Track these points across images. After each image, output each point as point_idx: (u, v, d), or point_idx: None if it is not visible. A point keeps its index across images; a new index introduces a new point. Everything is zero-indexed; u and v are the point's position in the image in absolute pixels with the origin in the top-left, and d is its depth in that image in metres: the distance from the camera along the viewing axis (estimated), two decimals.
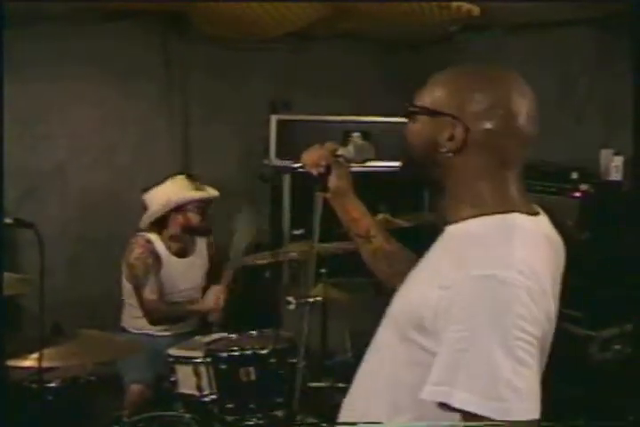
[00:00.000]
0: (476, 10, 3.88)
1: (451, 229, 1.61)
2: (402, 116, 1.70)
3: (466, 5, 3.83)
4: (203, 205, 4.07)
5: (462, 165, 1.58)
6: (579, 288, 3.67)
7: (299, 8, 3.97)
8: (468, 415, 1.33)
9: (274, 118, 4.67)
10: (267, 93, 5.05)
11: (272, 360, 3.36)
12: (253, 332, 3.69)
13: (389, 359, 1.59)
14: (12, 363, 2.74)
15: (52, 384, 3.13)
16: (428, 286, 1.47)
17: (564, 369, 3.64)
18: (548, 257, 1.50)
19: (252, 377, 3.35)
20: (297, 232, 4.10)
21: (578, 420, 3.30)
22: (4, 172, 3.47)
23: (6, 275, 2.77)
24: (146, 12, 4.50)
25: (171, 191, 4.07)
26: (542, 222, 1.61)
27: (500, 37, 4.68)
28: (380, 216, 3.86)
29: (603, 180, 3.92)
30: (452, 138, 1.56)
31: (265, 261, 3.97)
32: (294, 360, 3.29)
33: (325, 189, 2.08)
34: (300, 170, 2.10)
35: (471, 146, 1.56)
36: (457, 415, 1.35)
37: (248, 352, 3.39)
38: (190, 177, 4.13)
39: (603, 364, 3.62)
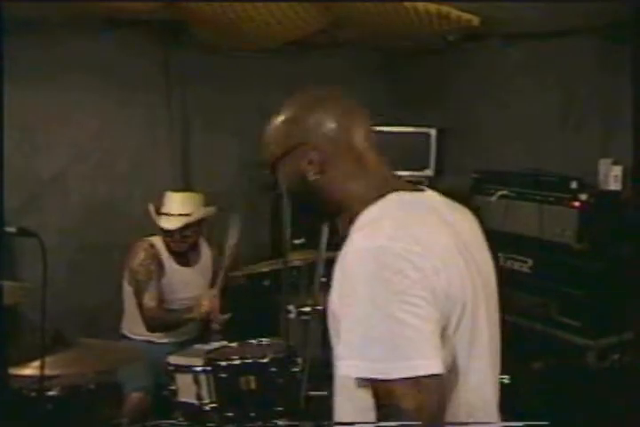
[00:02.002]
0: (475, 20, 3.88)
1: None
2: (270, 175, 1.81)
3: (465, 15, 3.84)
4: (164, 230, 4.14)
5: (333, 180, 1.67)
6: (577, 297, 3.70)
7: (298, 18, 3.98)
8: (367, 382, 1.41)
9: None
10: (266, 103, 5.06)
11: (272, 369, 3.37)
12: (253, 340, 3.69)
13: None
14: (12, 371, 2.74)
15: (52, 392, 3.13)
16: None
17: (563, 378, 3.65)
18: (432, 224, 1.56)
19: (253, 386, 3.35)
20: (298, 241, 4.10)
21: None
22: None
23: (6, 283, 2.77)
24: (145, 20, 4.50)
25: (162, 201, 4.19)
26: (426, 196, 1.68)
27: (500, 47, 4.70)
28: None
29: (602, 189, 3.92)
30: (311, 162, 1.66)
31: (264, 270, 3.99)
32: (295, 369, 3.30)
33: None
34: None
35: (329, 160, 1.65)
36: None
37: (248, 361, 3.39)
38: (186, 200, 4.20)
39: (601, 373, 3.62)
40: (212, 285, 4.23)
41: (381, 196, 1.60)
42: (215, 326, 3.96)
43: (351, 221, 1.64)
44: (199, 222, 4.20)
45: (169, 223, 4.09)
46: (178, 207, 4.14)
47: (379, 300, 1.39)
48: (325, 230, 2.24)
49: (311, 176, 1.66)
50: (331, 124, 1.66)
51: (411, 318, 1.38)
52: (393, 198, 1.60)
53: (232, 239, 3.96)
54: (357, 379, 1.44)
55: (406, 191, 1.63)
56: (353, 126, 1.68)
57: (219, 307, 3.93)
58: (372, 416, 1.48)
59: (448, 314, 1.47)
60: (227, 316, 3.98)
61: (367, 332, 1.39)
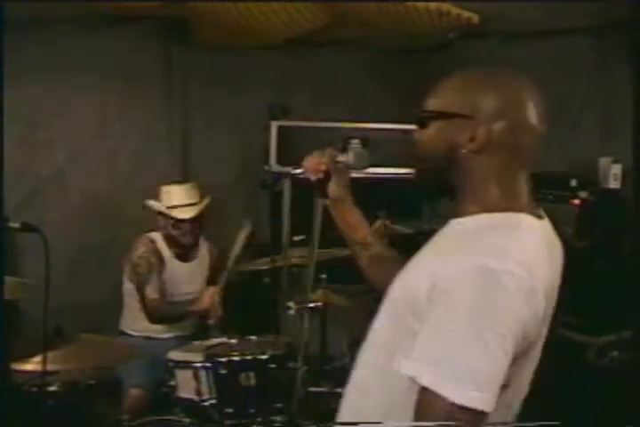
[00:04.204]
0: (475, 18, 3.89)
1: (456, 222, 1.64)
2: (413, 124, 1.71)
3: (465, 13, 3.85)
4: (176, 222, 4.12)
5: (480, 165, 1.60)
6: (577, 295, 3.70)
7: (299, 15, 3.98)
8: (431, 394, 1.38)
9: (274, 125, 4.68)
10: (266, 100, 5.06)
11: (272, 365, 3.37)
12: (253, 337, 3.70)
13: (383, 345, 1.62)
14: (13, 366, 2.75)
15: (52, 388, 3.13)
16: (425, 273, 1.50)
17: (562, 375, 3.66)
18: (545, 259, 1.52)
19: (252, 382, 3.34)
20: (297, 238, 4.11)
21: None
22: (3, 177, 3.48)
23: (6, 278, 2.77)
24: (147, 18, 4.51)
25: (162, 196, 4.17)
26: (546, 227, 1.64)
27: (499, 45, 4.70)
28: (379, 222, 3.87)
29: (602, 187, 3.93)
30: (473, 139, 1.58)
31: (264, 267, 3.99)
32: (295, 365, 3.30)
33: (325, 195, 2.10)
34: (301, 176, 2.12)
35: (490, 145, 1.58)
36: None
37: (248, 357, 3.39)
38: (189, 190, 4.19)
39: (600, 370, 3.63)
40: (209, 281, 4.25)
41: (509, 210, 1.58)
42: (211, 321, 3.95)
43: (459, 213, 1.63)
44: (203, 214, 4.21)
45: (185, 213, 4.08)
46: (186, 197, 4.13)
47: (483, 324, 1.37)
48: (318, 228, 2.23)
49: (464, 152, 1.60)
50: (513, 117, 1.58)
51: (499, 352, 1.37)
52: (522, 221, 1.56)
53: (240, 242, 3.95)
54: (412, 381, 1.43)
55: (532, 215, 1.59)
56: (534, 131, 1.61)
57: (218, 304, 3.92)
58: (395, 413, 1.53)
59: (528, 351, 1.49)
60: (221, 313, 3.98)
61: (456, 349, 1.37)
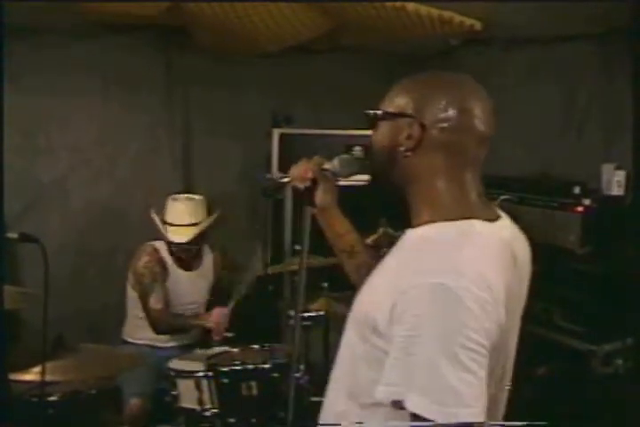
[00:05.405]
0: (478, 25, 3.87)
1: (409, 234, 1.65)
2: (367, 126, 1.75)
3: (468, 21, 3.83)
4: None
5: (421, 164, 1.63)
6: (580, 303, 3.69)
7: (300, 22, 3.98)
8: (414, 416, 1.38)
9: (276, 132, 4.67)
10: (268, 107, 5.05)
11: (274, 375, 3.35)
12: (255, 346, 3.68)
13: (350, 354, 1.64)
14: (13, 376, 2.73)
15: (53, 398, 3.12)
16: (382, 291, 1.51)
17: (566, 383, 3.64)
18: (504, 265, 1.53)
19: (254, 391, 3.34)
20: (299, 247, 4.11)
21: None
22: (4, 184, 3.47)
23: (7, 288, 2.76)
24: (148, 25, 4.50)
25: (166, 213, 4.15)
26: (501, 228, 1.64)
27: (502, 52, 4.69)
28: (381, 230, 3.85)
29: (605, 194, 3.91)
30: (410, 137, 1.61)
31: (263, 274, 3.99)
32: (297, 375, 3.28)
33: (312, 203, 2.09)
34: (289, 184, 2.11)
35: (429, 144, 1.61)
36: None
37: (250, 366, 3.38)
38: (194, 207, 4.16)
39: (604, 378, 3.61)
40: (216, 293, 4.25)
41: (459, 218, 1.57)
42: (216, 338, 3.95)
43: (415, 222, 1.64)
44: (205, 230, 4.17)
45: (178, 236, 4.05)
46: (184, 217, 4.09)
47: (449, 341, 1.36)
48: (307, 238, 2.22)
49: (401, 150, 1.63)
50: (454, 117, 1.59)
51: (472, 364, 1.37)
52: (473, 229, 1.56)
53: (254, 270, 3.95)
54: (396, 404, 1.42)
55: (484, 220, 1.58)
56: (476, 133, 1.61)
57: (225, 325, 3.91)
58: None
59: (497, 360, 1.48)
60: (230, 334, 3.96)
61: (430, 369, 1.37)
